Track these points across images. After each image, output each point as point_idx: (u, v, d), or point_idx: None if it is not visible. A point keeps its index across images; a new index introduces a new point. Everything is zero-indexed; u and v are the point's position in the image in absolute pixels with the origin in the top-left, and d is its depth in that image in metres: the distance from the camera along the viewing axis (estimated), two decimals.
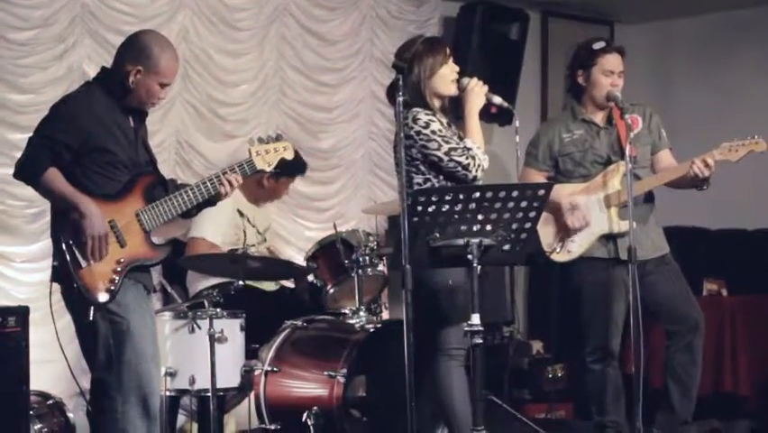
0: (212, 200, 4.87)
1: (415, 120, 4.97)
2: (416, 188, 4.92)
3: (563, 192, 5.70)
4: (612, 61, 5.74)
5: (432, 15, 8.10)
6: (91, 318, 4.58)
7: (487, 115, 5.20)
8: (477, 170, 4.99)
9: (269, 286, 6.48)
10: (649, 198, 5.82)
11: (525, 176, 5.79)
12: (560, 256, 5.78)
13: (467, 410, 4.87)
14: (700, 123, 8.21)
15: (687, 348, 5.74)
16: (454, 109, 5.19)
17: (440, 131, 4.97)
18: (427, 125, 4.96)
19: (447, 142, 4.96)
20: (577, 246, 5.74)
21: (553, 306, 8.12)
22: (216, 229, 6.29)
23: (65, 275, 4.60)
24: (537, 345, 7.93)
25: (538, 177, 5.79)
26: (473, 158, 4.98)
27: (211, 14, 6.93)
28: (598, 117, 5.80)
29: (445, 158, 4.96)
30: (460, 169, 4.97)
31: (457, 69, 5.14)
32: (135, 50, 4.74)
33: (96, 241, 4.55)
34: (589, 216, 5.69)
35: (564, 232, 5.75)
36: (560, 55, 8.77)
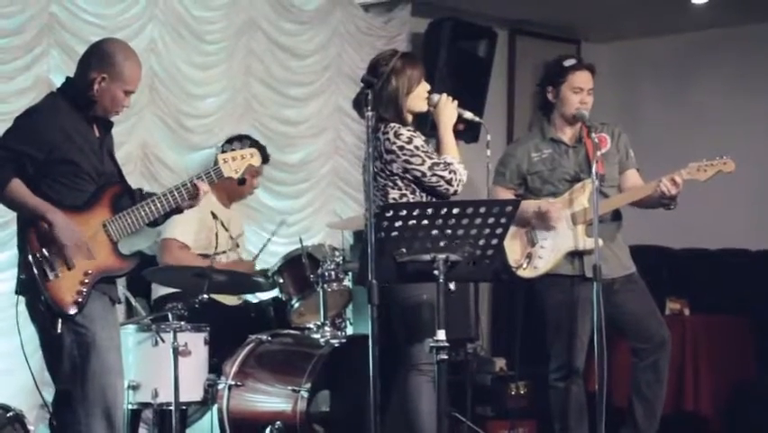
0: (179, 209, 4.87)
1: (397, 135, 4.98)
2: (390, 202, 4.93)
3: (531, 206, 5.73)
4: (582, 78, 5.78)
5: (400, 31, 8.11)
6: (59, 331, 4.56)
7: (453, 132, 5.22)
8: (458, 185, 5.02)
9: (231, 300, 6.46)
10: (617, 216, 5.85)
11: (493, 194, 5.81)
12: (526, 272, 5.80)
13: (433, 427, 4.86)
14: (666, 141, 8.25)
15: (653, 367, 5.77)
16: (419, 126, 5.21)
17: (422, 146, 5.00)
18: (410, 141, 4.98)
19: (430, 158, 4.99)
20: (544, 262, 5.76)
21: (516, 323, 8.12)
22: (187, 229, 6.26)
23: (32, 287, 4.57)
24: (500, 363, 7.93)
25: (507, 194, 5.84)
26: (455, 172, 5.01)
27: (180, 27, 6.90)
28: (567, 136, 5.83)
29: (429, 173, 4.98)
30: (443, 183, 4.99)
31: (428, 87, 5.17)
32: (99, 57, 4.74)
33: (75, 246, 4.54)
34: (558, 226, 5.72)
35: (531, 247, 5.78)
36: (527, 73, 8.82)
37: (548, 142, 5.85)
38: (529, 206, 5.72)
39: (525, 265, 5.80)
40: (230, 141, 6.08)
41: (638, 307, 5.80)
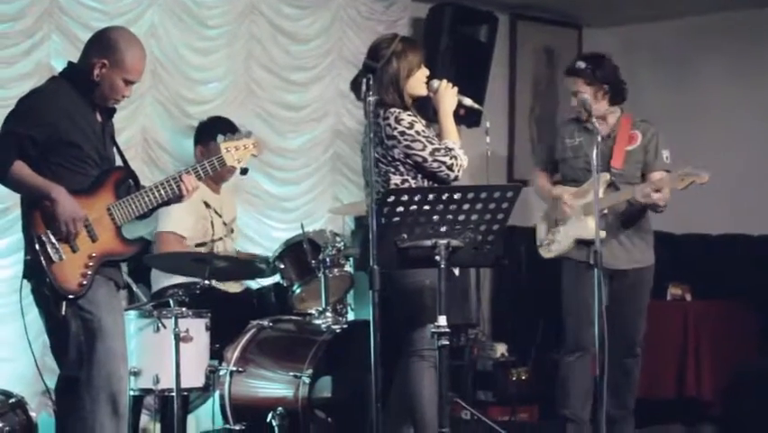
0: (177, 198, 4.86)
1: (398, 120, 4.98)
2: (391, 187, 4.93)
3: (555, 191, 6.07)
4: (567, 85, 6.08)
5: (401, 16, 8.09)
6: (63, 313, 4.56)
7: (455, 117, 5.22)
8: (459, 170, 5.03)
9: (233, 287, 6.45)
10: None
11: (533, 176, 6.35)
12: (544, 252, 6.13)
13: (434, 412, 4.86)
14: (667, 127, 8.13)
15: (620, 367, 5.91)
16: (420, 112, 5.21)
17: (423, 131, 5.01)
18: (411, 126, 4.98)
19: (431, 143, 4.99)
20: (557, 246, 6.06)
21: (518, 308, 8.13)
22: (183, 221, 6.25)
23: (36, 270, 4.57)
24: (501, 348, 7.93)
25: (543, 177, 6.21)
26: (456, 158, 5.02)
27: (180, 12, 6.89)
28: (603, 127, 5.88)
29: (430, 158, 4.98)
30: (444, 169, 5.00)
31: (428, 72, 5.17)
32: (102, 44, 4.74)
33: (71, 223, 4.53)
34: (572, 213, 5.93)
35: (554, 228, 6.04)
36: (528, 58, 8.81)
37: (583, 130, 5.96)
38: (554, 192, 6.06)
39: (544, 245, 6.12)
40: (214, 126, 6.15)
41: (625, 305, 5.90)
